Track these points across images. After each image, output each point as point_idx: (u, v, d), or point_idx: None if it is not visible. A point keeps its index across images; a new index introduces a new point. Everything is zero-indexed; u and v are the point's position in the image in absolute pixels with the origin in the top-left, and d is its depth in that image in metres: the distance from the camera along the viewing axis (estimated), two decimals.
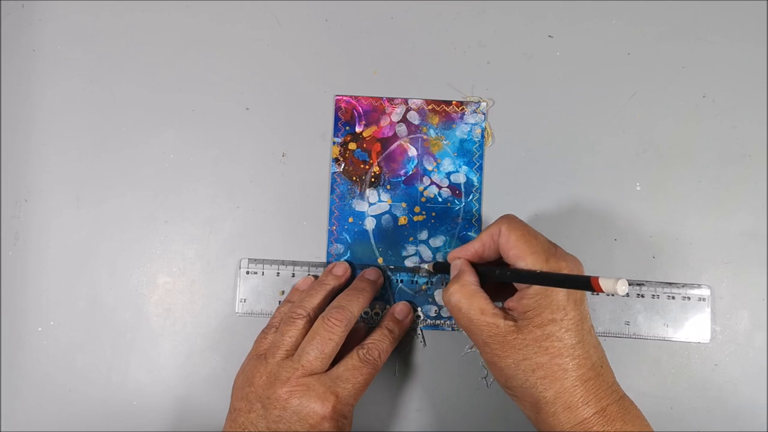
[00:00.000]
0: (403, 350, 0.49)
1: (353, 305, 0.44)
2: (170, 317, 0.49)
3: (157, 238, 0.49)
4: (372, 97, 0.49)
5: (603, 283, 0.33)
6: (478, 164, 0.49)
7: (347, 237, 0.49)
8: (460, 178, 0.49)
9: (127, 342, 0.49)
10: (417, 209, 0.49)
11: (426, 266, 0.48)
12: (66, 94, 0.50)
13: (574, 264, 0.40)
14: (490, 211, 0.49)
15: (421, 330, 0.49)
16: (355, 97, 0.49)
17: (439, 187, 0.49)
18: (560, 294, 0.38)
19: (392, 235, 0.49)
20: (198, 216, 0.49)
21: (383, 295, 0.49)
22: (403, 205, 0.49)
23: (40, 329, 0.49)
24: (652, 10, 0.50)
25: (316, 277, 0.48)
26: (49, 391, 0.49)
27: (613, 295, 0.33)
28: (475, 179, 0.49)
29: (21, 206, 0.49)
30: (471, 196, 0.49)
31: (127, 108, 0.50)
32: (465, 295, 0.40)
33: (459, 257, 0.43)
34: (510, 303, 0.40)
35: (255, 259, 0.49)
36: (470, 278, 0.41)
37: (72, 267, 0.49)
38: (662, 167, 0.49)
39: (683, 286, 0.48)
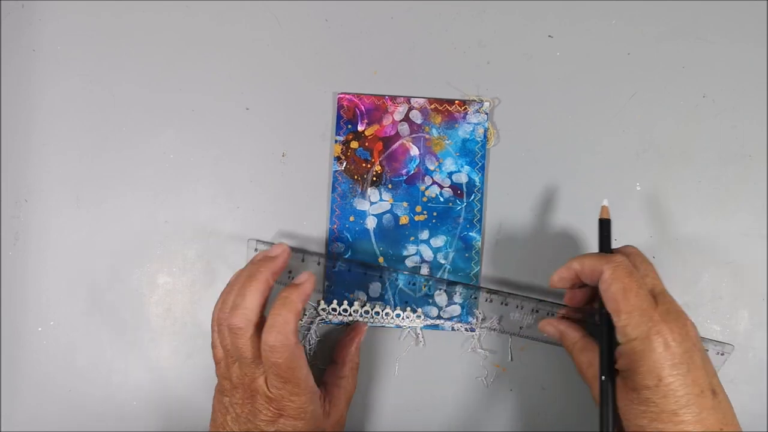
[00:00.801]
0: (403, 350, 0.49)
1: (248, 299, 0.40)
2: (170, 317, 0.49)
3: (157, 238, 0.49)
4: (374, 96, 0.49)
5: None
6: (480, 164, 0.49)
7: (348, 236, 0.49)
8: (462, 178, 0.49)
9: (127, 342, 0.49)
10: (418, 209, 0.49)
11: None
12: (66, 94, 0.50)
13: (678, 325, 0.37)
14: (491, 212, 0.49)
15: (421, 330, 0.49)
16: (358, 96, 0.49)
17: (441, 187, 0.49)
18: (655, 354, 0.36)
19: (393, 235, 0.49)
20: (198, 216, 0.49)
21: (383, 296, 0.49)
22: (405, 204, 0.49)
23: (40, 329, 0.49)
24: (652, 10, 0.50)
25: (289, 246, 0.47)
26: (49, 391, 0.49)
27: None
28: (477, 179, 0.49)
29: (21, 206, 0.49)
30: (473, 197, 0.49)
31: (127, 108, 0.50)
32: (578, 349, 0.42)
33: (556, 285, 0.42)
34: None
35: None
36: (574, 335, 0.43)
37: (72, 267, 0.49)
38: (662, 167, 0.49)
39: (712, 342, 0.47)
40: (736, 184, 0.49)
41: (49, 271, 0.49)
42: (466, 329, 0.48)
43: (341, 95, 0.49)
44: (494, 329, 0.48)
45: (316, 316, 0.49)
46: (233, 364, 0.41)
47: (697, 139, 0.49)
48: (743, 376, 0.48)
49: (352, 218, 0.49)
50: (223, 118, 0.50)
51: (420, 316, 0.48)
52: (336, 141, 0.49)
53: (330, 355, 0.48)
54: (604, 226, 0.43)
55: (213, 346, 0.43)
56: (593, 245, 0.49)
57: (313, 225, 0.49)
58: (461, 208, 0.49)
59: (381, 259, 0.49)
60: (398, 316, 0.48)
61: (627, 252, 0.41)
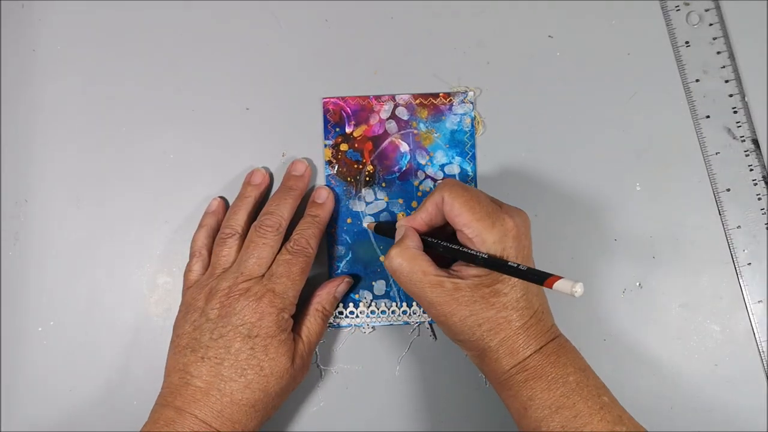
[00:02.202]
0: (404, 349, 0.49)
1: (282, 208, 0.45)
2: (170, 317, 0.49)
3: (157, 238, 0.49)
4: (359, 97, 0.49)
5: (560, 285, 0.34)
6: (470, 153, 0.49)
7: (347, 238, 0.49)
8: (454, 169, 0.49)
9: (127, 342, 0.49)
10: (414, 204, 0.49)
11: (366, 223, 0.48)
12: (66, 94, 0.50)
13: (521, 218, 0.41)
14: None
15: (430, 324, 0.49)
16: (343, 98, 0.49)
17: (434, 180, 0.49)
18: (511, 256, 0.40)
19: (392, 233, 0.49)
20: (198, 216, 0.49)
21: (388, 293, 0.49)
22: (400, 201, 0.49)
23: (40, 329, 0.49)
24: (652, 10, 0.50)
25: (223, 198, 0.49)
26: (49, 391, 0.49)
27: (571, 294, 0.35)
28: (469, 168, 0.49)
29: (21, 206, 0.49)
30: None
31: (127, 108, 0.50)
32: (406, 258, 0.41)
33: (403, 224, 0.43)
34: (458, 266, 0.42)
35: None
36: (411, 242, 0.42)
37: (72, 267, 0.49)
38: (662, 167, 0.49)
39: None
40: (737, 183, 0.49)
41: (49, 271, 0.49)
42: None
43: (326, 99, 0.49)
44: None
45: None
46: (225, 274, 0.44)
47: (697, 138, 0.49)
48: (743, 376, 0.48)
49: (349, 220, 0.49)
50: (223, 118, 0.50)
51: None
52: (325, 145, 0.49)
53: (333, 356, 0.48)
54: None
55: (188, 271, 0.46)
56: (593, 245, 0.49)
57: None
58: None
59: (382, 258, 0.49)
60: (405, 312, 0.48)
61: (450, 182, 0.42)
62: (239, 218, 0.46)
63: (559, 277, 0.36)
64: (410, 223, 0.43)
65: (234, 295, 0.42)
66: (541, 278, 0.36)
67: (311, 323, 0.45)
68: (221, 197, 0.49)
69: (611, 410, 0.39)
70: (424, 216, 0.42)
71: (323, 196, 0.47)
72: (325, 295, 0.46)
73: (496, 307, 0.40)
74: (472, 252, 0.40)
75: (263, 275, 0.44)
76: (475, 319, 0.40)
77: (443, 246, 0.42)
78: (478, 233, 0.40)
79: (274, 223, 0.45)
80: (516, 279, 0.40)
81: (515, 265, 0.38)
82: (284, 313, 0.43)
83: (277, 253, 0.45)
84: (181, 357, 0.42)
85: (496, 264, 0.39)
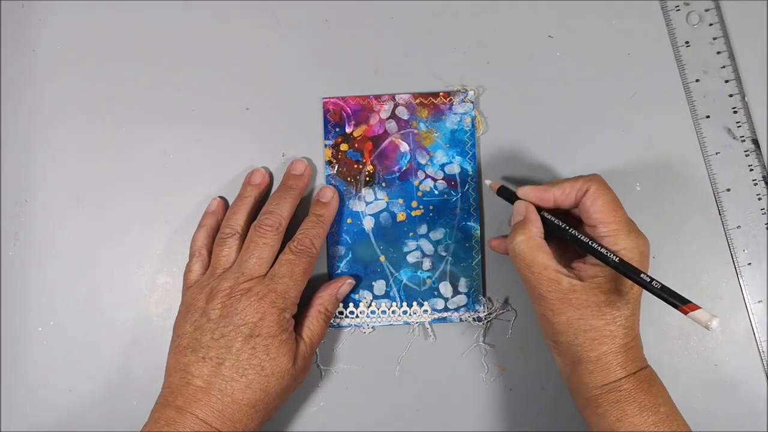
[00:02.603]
0: (404, 350, 0.49)
1: (281, 207, 0.45)
2: (170, 317, 0.49)
3: (157, 238, 0.49)
4: (359, 96, 0.49)
5: (697, 315, 0.34)
6: (470, 153, 0.49)
7: (347, 238, 0.49)
8: (454, 169, 0.49)
9: (127, 342, 0.49)
10: (414, 204, 0.49)
11: (489, 182, 0.47)
12: (66, 94, 0.50)
13: (647, 241, 0.41)
14: (488, 202, 0.49)
15: (430, 324, 0.49)
16: (343, 98, 0.49)
17: (435, 180, 0.49)
18: (636, 263, 0.39)
19: (392, 233, 0.49)
20: (198, 216, 0.49)
21: (388, 293, 0.49)
22: (400, 201, 0.49)
23: (40, 329, 0.49)
24: (652, 10, 0.50)
25: (223, 198, 0.49)
26: (49, 391, 0.49)
27: (705, 327, 0.35)
28: (469, 168, 0.49)
29: (21, 206, 0.49)
30: (467, 186, 0.49)
31: (127, 108, 0.50)
32: (530, 247, 0.41)
33: (530, 198, 0.43)
34: (579, 264, 0.41)
35: None
36: (536, 229, 0.41)
37: (72, 267, 0.49)
38: (662, 167, 0.49)
39: None
40: (737, 183, 0.49)
41: (49, 271, 0.49)
42: (473, 319, 0.48)
43: (326, 99, 0.49)
44: (503, 311, 0.48)
45: None
46: (226, 274, 0.44)
47: (697, 138, 0.49)
48: (743, 376, 0.48)
49: (349, 220, 0.49)
50: (223, 118, 0.50)
51: (427, 310, 0.48)
52: (325, 145, 0.49)
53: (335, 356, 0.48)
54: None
55: (188, 271, 0.46)
56: None
57: None
58: (457, 199, 0.49)
59: (382, 258, 0.49)
60: (405, 312, 0.49)
61: (599, 178, 0.42)
62: (239, 218, 0.46)
63: (698, 307, 0.35)
64: (539, 196, 0.43)
65: (236, 295, 0.42)
66: (679, 302, 0.35)
67: (313, 324, 0.45)
68: (221, 197, 0.49)
69: None
70: (558, 193, 0.42)
71: (328, 196, 0.47)
72: (326, 296, 0.46)
73: (605, 319, 0.39)
74: (603, 250, 0.40)
75: (265, 275, 0.44)
76: (581, 324, 0.39)
77: (571, 234, 0.41)
78: (615, 234, 0.40)
79: (273, 222, 0.45)
80: (631, 297, 0.40)
81: (649, 279, 0.38)
82: (286, 313, 0.43)
83: (278, 252, 0.45)
84: (181, 357, 0.42)
85: (628, 270, 0.39)
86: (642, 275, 0.38)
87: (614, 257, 0.39)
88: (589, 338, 0.40)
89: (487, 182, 0.48)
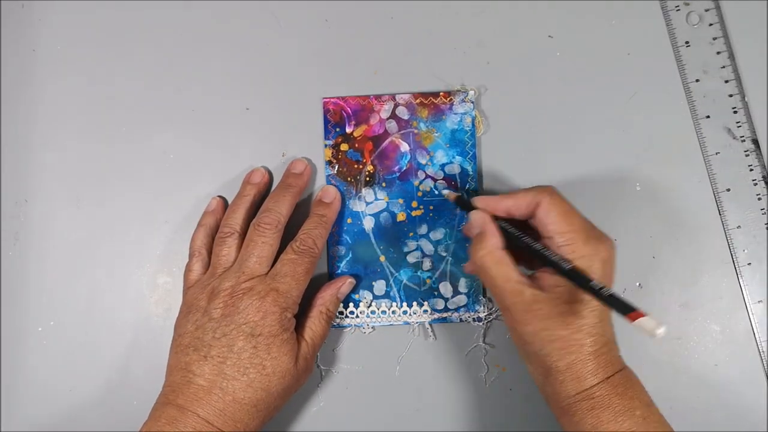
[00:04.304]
0: (404, 350, 0.49)
1: (280, 205, 0.45)
2: (170, 317, 0.49)
3: (157, 238, 0.49)
4: (359, 96, 0.49)
5: (643, 323, 0.34)
6: (471, 153, 0.49)
7: (347, 238, 0.49)
8: (454, 169, 0.49)
9: (127, 342, 0.49)
10: (414, 204, 0.49)
11: (447, 192, 0.48)
12: (66, 94, 0.50)
13: (611, 244, 0.41)
14: None
15: (430, 324, 0.49)
16: (343, 98, 0.49)
17: (435, 180, 0.49)
18: (595, 277, 0.39)
19: (392, 233, 0.49)
20: (198, 216, 0.49)
21: (388, 293, 0.49)
22: (400, 201, 0.49)
23: (40, 329, 0.49)
24: (652, 10, 0.50)
25: (222, 197, 0.49)
26: (49, 391, 0.49)
27: (651, 335, 0.34)
28: (469, 168, 0.49)
29: (21, 206, 0.49)
30: (467, 186, 0.49)
31: (127, 108, 0.50)
32: (492, 261, 0.40)
33: (486, 209, 0.43)
34: (542, 273, 0.41)
35: None
36: (495, 240, 0.41)
37: (72, 267, 0.49)
38: (662, 167, 0.49)
39: None
40: (737, 183, 0.49)
41: (49, 271, 0.49)
42: (473, 319, 0.48)
43: (326, 99, 0.49)
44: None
45: None
46: (227, 273, 0.44)
47: (697, 138, 0.49)
48: (743, 376, 0.48)
49: (349, 220, 0.49)
50: (223, 118, 0.50)
51: (427, 310, 0.48)
52: (326, 145, 0.49)
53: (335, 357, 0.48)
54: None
55: (188, 271, 0.46)
56: None
57: None
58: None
59: (382, 258, 0.49)
60: (405, 312, 0.49)
61: (551, 189, 0.42)
62: (238, 217, 0.46)
63: (644, 314, 0.35)
64: (493, 206, 0.42)
65: (237, 294, 0.42)
66: (625, 310, 0.35)
67: (315, 325, 0.45)
68: (220, 196, 0.49)
69: None
70: (510, 204, 0.42)
71: (331, 196, 0.47)
72: (328, 296, 0.46)
73: (571, 328, 0.39)
74: (556, 258, 0.39)
75: (266, 274, 0.44)
76: (547, 334, 0.39)
77: (527, 243, 0.41)
78: (571, 243, 0.40)
79: (272, 220, 0.44)
80: (596, 303, 0.39)
81: (598, 287, 0.37)
82: (287, 313, 0.43)
83: (279, 250, 0.45)
84: (183, 356, 0.42)
85: (579, 278, 0.38)
86: (592, 283, 0.38)
87: (566, 265, 0.39)
88: (556, 348, 0.39)
89: (444, 192, 0.48)
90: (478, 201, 0.43)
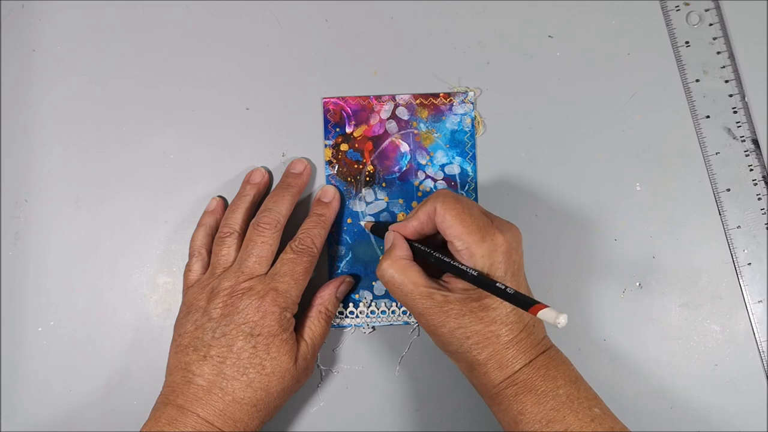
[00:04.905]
0: (403, 349, 0.49)
1: (279, 205, 0.45)
2: (170, 317, 0.49)
3: (157, 238, 0.49)
4: (359, 97, 0.49)
5: (545, 314, 0.35)
6: (470, 154, 0.49)
7: (347, 238, 0.49)
8: (454, 170, 0.49)
9: (127, 342, 0.49)
10: (414, 204, 0.49)
11: (364, 222, 0.49)
12: (66, 94, 0.50)
13: (512, 233, 0.41)
14: (487, 202, 0.49)
15: None
16: (343, 98, 0.49)
17: (435, 180, 0.49)
18: (499, 271, 0.40)
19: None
20: (198, 216, 0.49)
21: (388, 294, 0.49)
22: (400, 201, 0.49)
23: (40, 329, 0.49)
24: (652, 10, 0.50)
25: (222, 197, 0.49)
26: (49, 391, 0.49)
27: (554, 324, 0.36)
28: (469, 169, 0.49)
29: (21, 206, 0.49)
30: (467, 186, 0.49)
31: (127, 108, 0.50)
32: (397, 269, 0.41)
33: (396, 232, 0.44)
34: (449, 277, 0.42)
35: None
36: (402, 252, 0.42)
37: (72, 267, 0.49)
38: (662, 167, 0.49)
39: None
40: (737, 183, 0.49)
41: (49, 271, 0.49)
42: None
43: (326, 99, 0.49)
44: None
45: None
46: (226, 273, 0.44)
47: (697, 138, 0.49)
48: (743, 376, 0.48)
49: (349, 220, 0.49)
50: (223, 117, 0.50)
51: None
52: (326, 145, 0.49)
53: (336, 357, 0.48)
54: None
55: (188, 271, 0.46)
56: (593, 245, 0.49)
57: None
58: None
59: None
60: (405, 312, 0.49)
61: (443, 193, 0.42)
62: (237, 217, 0.46)
63: (545, 306, 0.36)
64: (401, 230, 0.43)
65: (237, 294, 0.42)
66: (527, 305, 0.36)
67: (314, 324, 0.45)
68: (220, 196, 0.49)
69: (603, 422, 0.39)
70: (415, 224, 0.42)
71: (330, 195, 0.48)
72: (327, 296, 0.46)
73: (484, 322, 0.40)
74: (463, 267, 0.40)
75: (266, 273, 0.44)
76: (463, 332, 0.40)
77: (435, 257, 0.42)
78: (468, 246, 0.40)
79: (271, 220, 0.45)
80: None
81: (503, 287, 0.38)
82: (287, 312, 0.43)
83: (278, 250, 0.45)
84: (183, 356, 0.42)
85: (484, 283, 0.39)
86: (497, 284, 0.39)
87: (472, 271, 0.40)
88: (474, 343, 0.40)
89: (362, 223, 0.49)
90: (391, 228, 0.44)
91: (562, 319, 0.35)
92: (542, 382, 0.39)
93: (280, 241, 0.45)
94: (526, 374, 0.40)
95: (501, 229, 0.41)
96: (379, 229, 0.47)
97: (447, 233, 0.41)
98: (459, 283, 0.41)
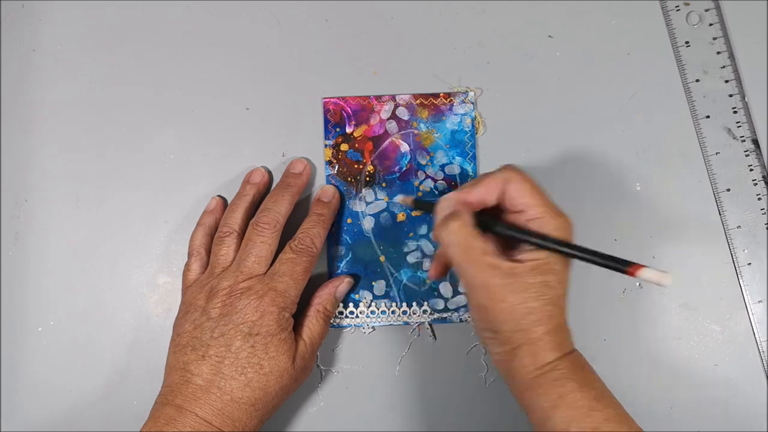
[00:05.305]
0: (404, 349, 0.49)
1: (279, 205, 0.45)
2: (170, 317, 0.49)
3: (157, 238, 0.49)
4: (360, 97, 0.49)
5: (647, 274, 0.34)
6: (471, 154, 0.49)
7: (347, 238, 0.49)
8: (454, 170, 0.49)
9: (127, 342, 0.49)
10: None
11: (400, 199, 0.48)
12: (66, 94, 0.50)
13: (571, 223, 0.41)
14: None
15: (430, 324, 0.49)
16: (343, 98, 0.49)
17: (435, 180, 0.49)
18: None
19: (392, 233, 0.49)
20: (198, 216, 0.49)
21: (388, 294, 0.49)
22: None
23: (40, 329, 0.49)
24: (652, 10, 0.50)
25: (222, 197, 0.49)
26: (49, 391, 0.49)
27: (659, 284, 0.35)
28: (469, 169, 0.49)
29: (21, 206, 0.49)
30: None
31: (127, 108, 0.50)
32: (467, 234, 0.39)
33: (455, 202, 0.41)
34: (511, 251, 0.41)
35: None
36: (469, 218, 0.40)
37: (72, 267, 0.49)
38: (662, 167, 0.49)
39: None
40: (737, 183, 0.49)
41: (49, 271, 0.49)
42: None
43: (326, 99, 0.49)
44: None
45: None
46: (225, 273, 0.44)
47: (697, 138, 0.49)
48: (743, 376, 0.48)
49: (349, 220, 0.49)
50: (223, 118, 0.50)
51: (427, 311, 0.48)
52: (326, 145, 0.49)
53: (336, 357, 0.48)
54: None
55: (187, 270, 0.46)
56: (593, 245, 0.49)
57: None
58: None
59: (382, 258, 0.49)
60: (405, 312, 0.49)
61: (514, 166, 0.42)
62: (237, 216, 0.46)
63: (644, 266, 0.35)
64: (465, 197, 0.41)
65: (235, 293, 0.42)
66: (626, 264, 0.35)
67: (313, 324, 0.45)
68: (220, 196, 0.49)
69: (631, 423, 0.39)
70: (481, 192, 0.41)
71: (329, 195, 0.48)
72: (326, 295, 0.46)
73: (543, 299, 0.39)
74: (541, 233, 0.39)
75: (265, 273, 0.44)
76: (523, 308, 0.39)
77: (503, 225, 0.40)
78: (543, 215, 0.39)
79: (271, 220, 0.44)
80: (563, 276, 0.40)
81: (593, 250, 0.37)
82: (285, 312, 0.43)
83: (277, 250, 0.45)
84: (181, 355, 0.42)
85: (570, 246, 0.38)
86: (586, 248, 0.39)
87: (552, 236, 0.39)
88: (531, 321, 0.39)
89: (398, 198, 0.47)
90: (449, 195, 0.42)
91: (668, 279, 0.33)
92: (582, 372, 0.39)
93: (279, 241, 0.45)
94: (568, 362, 0.39)
95: (564, 215, 0.40)
96: (424, 203, 0.45)
97: (521, 202, 0.40)
98: (524, 255, 0.40)
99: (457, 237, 0.39)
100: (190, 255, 0.47)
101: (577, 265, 0.49)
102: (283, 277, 0.43)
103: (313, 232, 0.45)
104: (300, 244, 0.44)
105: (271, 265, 0.44)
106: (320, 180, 0.49)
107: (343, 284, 0.47)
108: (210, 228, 0.47)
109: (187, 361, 0.42)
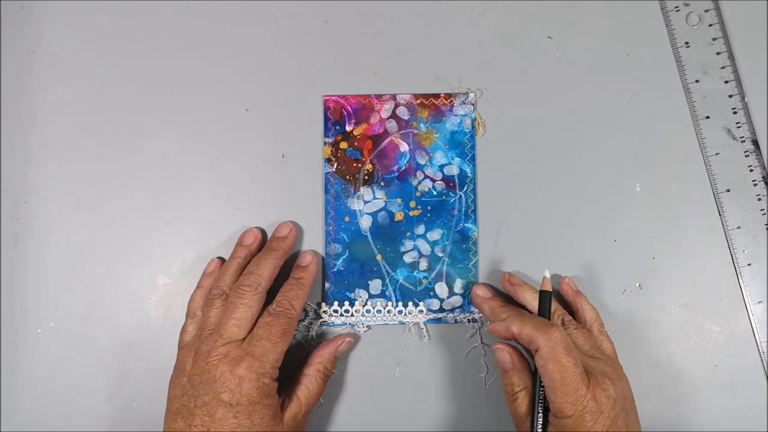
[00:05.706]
0: (404, 350, 0.49)
1: (261, 268, 0.45)
2: (170, 318, 0.49)
3: (157, 239, 0.49)
4: (360, 95, 0.49)
5: None
6: (470, 155, 0.49)
7: (344, 236, 0.49)
8: (453, 170, 0.49)
9: (127, 343, 0.49)
10: (412, 204, 0.49)
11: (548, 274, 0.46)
12: (66, 95, 0.50)
13: (614, 388, 0.41)
14: (486, 204, 0.49)
15: (425, 324, 0.49)
16: (343, 96, 0.49)
17: (433, 181, 0.49)
18: (588, 421, 0.39)
19: (389, 232, 0.49)
20: (198, 217, 0.49)
21: (384, 293, 0.49)
22: (398, 200, 0.49)
23: (40, 330, 0.49)
24: (652, 10, 0.50)
25: (222, 258, 0.49)
26: (49, 391, 0.49)
27: None
28: (468, 170, 0.49)
29: (21, 207, 0.49)
30: (465, 188, 0.49)
31: (126, 109, 0.50)
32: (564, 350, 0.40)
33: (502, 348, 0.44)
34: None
35: None
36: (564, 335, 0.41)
37: (72, 268, 0.49)
38: (662, 167, 0.49)
39: None
40: (737, 184, 0.49)
41: (49, 272, 0.49)
42: (468, 320, 0.48)
43: (327, 97, 0.49)
44: None
45: (317, 318, 0.49)
46: (209, 336, 0.43)
47: (697, 139, 0.49)
48: (743, 376, 0.48)
49: (347, 218, 0.49)
50: (222, 118, 0.50)
51: (422, 311, 0.48)
52: (325, 143, 0.49)
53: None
54: (545, 297, 0.44)
55: (183, 332, 0.46)
56: (593, 245, 0.49)
57: (312, 227, 0.49)
58: (455, 200, 0.49)
59: (379, 257, 0.49)
60: (400, 312, 0.49)
61: (555, 336, 0.41)
62: (227, 279, 0.46)
63: None
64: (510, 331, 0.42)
65: (212, 360, 0.42)
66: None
67: (311, 384, 0.45)
68: (219, 258, 0.49)
69: None
70: (515, 332, 0.42)
71: (307, 260, 0.47)
72: (326, 354, 0.46)
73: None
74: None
75: (244, 338, 0.43)
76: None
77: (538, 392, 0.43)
78: (559, 405, 0.40)
79: (252, 282, 0.44)
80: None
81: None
82: (264, 378, 0.42)
83: (260, 315, 0.44)
84: (173, 422, 0.42)
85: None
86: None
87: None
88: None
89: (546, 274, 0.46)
90: (495, 326, 0.44)
91: None
92: None
93: (263, 305, 0.45)
94: None
95: (603, 386, 0.40)
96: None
97: (543, 378, 0.40)
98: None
99: (557, 352, 0.40)
100: (187, 316, 0.47)
101: (578, 265, 0.49)
102: (260, 341, 0.43)
103: (291, 295, 0.45)
104: (278, 306, 0.44)
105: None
106: (319, 179, 0.49)
107: (343, 344, 0.47)
108: (208, 290, 0.47)
109: (178, 430, 0.42)
